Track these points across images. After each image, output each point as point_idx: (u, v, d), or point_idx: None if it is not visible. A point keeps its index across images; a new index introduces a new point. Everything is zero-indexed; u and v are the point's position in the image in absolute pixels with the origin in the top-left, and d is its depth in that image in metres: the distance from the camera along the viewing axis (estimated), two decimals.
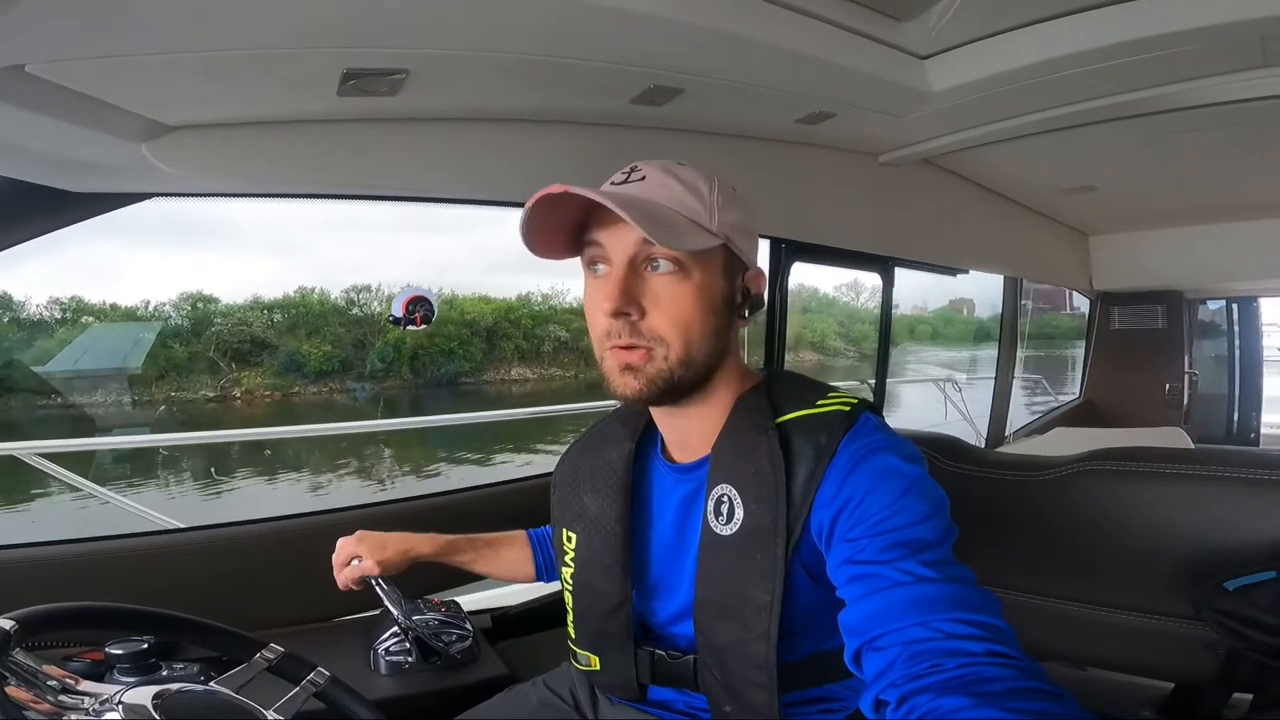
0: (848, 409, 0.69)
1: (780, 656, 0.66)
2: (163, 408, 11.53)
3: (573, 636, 0.83)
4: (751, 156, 1.48)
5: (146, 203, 1.07)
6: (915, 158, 1.70)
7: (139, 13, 0.69)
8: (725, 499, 0.70)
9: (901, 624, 0.55)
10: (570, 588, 0.82)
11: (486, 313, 14.50)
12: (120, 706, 0.54)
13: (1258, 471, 0.99)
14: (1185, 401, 3.43)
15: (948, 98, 1.26)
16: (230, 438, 6.18)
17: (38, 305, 11.68)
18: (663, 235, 0.64)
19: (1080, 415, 3.51)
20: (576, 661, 0.84)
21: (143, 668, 0.80)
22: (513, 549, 1.01)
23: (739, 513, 0.69)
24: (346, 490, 8.90)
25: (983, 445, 2.90)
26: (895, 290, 2.24)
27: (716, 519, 0.70)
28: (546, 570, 1.00)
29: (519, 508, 1.14)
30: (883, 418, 0.72)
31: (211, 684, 0.64)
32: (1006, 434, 3.16)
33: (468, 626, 1.14)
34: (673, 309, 0.68)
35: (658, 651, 0.77)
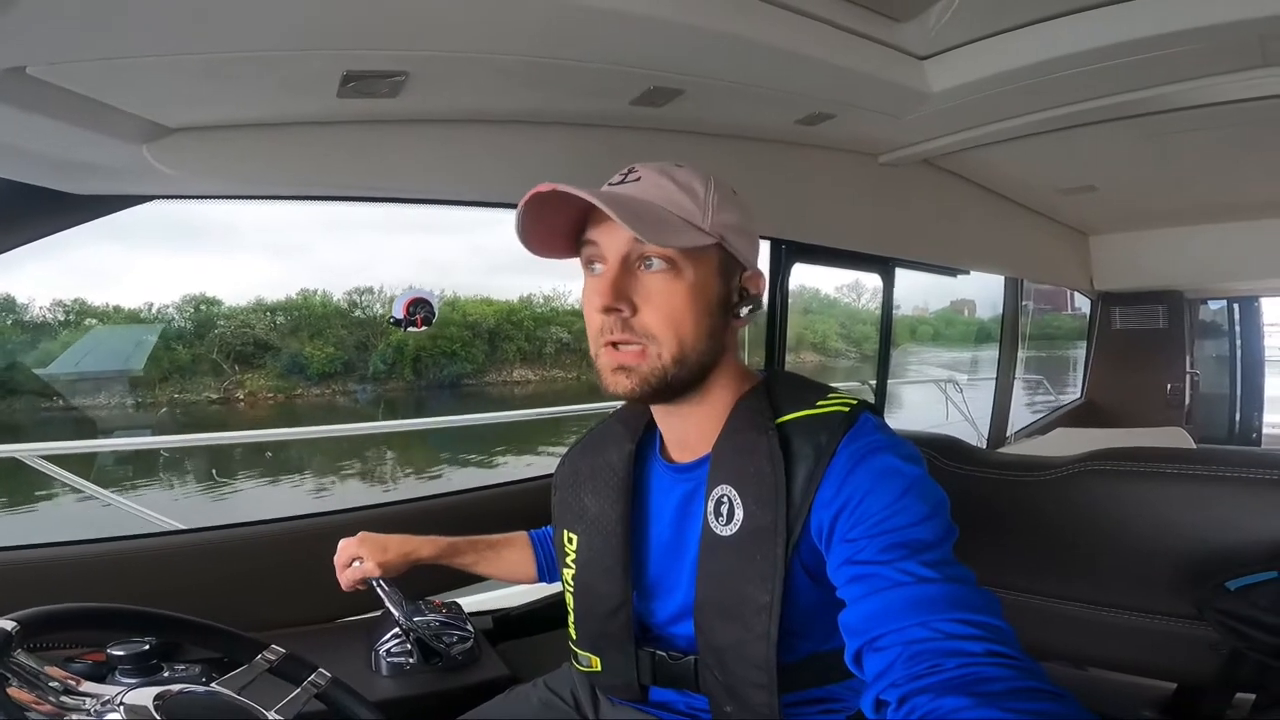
0: (847, 409, 0.69)
1: (780, 657, 0.66)
2: (165, 410, 11.54)
3: (574, 637, 0.83)
4: (751, 157, 1.48)
5: (147, 205, 1.07)
6: (915, 158, 1.70)
7: (139, 14, 0.69)
8: (725, 499, 0.70)
9: (902, 624, 0.55)
10: (571, 589, 0.82)
11: (488, 314, 14.49)
12: (121, 707, 0.55)
13: (1259, 471, 0.99)
14: (1187, 402, 3.42)
15: (947, 98, 1.26)
16: (232, 439, 6.21)
17: (41, 308, 11.72)
18: (650, 232, 0.64)
19: (1082, 415, 3.50)
20: (577, 662, 0.84)
21: (144, 669, 0.80)
22: (514, 550, 1.01)
23: (739, 513, 0.69)
24: (348, 492, 8.90)
25: (984, 446, 2.91)
26: (896, 291, 2.25)
27: (716, 519, 0.70)
28: (548, 571, 1.00)
29: (520, 509, 1.14)
30: (882, 418, 0.72)
31: (213, 685, 0.64)
32: (1008, 434, 3.16)
33: (469, 628, 1.14)
34: (665, 306, 0.68)
35: (658, 652, 0.77)
